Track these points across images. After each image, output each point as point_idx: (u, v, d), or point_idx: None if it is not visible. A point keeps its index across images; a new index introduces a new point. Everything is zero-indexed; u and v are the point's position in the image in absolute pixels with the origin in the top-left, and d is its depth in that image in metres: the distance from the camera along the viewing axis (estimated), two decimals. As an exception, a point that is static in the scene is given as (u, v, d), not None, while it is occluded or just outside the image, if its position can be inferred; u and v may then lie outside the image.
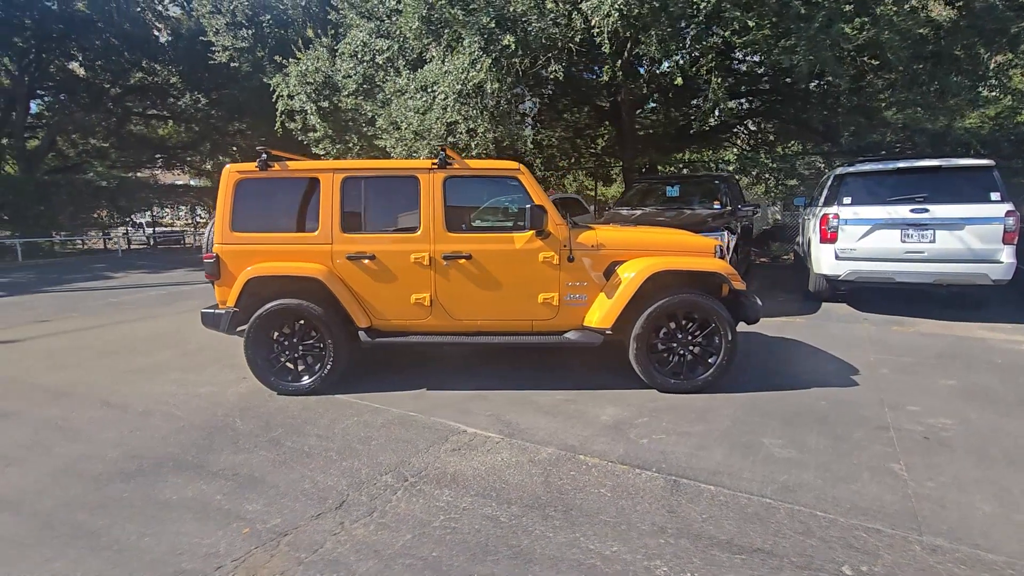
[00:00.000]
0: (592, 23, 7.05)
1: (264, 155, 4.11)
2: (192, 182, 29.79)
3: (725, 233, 6.66)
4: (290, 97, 11.81)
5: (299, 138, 12.44)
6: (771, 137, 13.98)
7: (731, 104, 8.34)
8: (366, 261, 4.04)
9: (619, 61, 8.11)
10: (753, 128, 14.81)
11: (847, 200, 6.79)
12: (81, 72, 19.95)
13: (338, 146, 11.96)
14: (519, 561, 2.15)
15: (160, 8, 16.79)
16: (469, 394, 4.07)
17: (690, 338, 4.01)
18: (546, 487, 2.71)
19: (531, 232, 3.98)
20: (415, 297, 4.06)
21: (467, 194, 4.17)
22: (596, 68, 11.84)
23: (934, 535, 2.27)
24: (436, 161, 4.04)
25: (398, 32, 9.81)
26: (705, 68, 7.53)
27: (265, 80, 12.90)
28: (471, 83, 7.85)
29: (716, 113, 8.86)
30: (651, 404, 3.80)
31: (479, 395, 4.05)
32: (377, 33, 10.55)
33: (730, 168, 13.04)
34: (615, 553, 2.19)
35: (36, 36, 17.14)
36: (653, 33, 6.79)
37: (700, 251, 4.12)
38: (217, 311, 4.13)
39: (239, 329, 4.10)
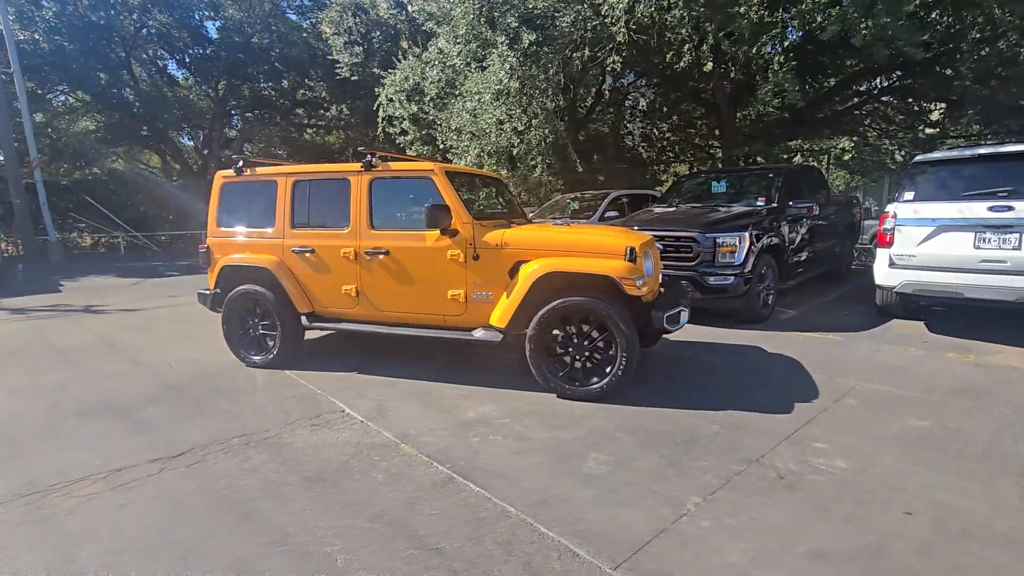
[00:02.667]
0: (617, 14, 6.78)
1: (240, 162, 4.87)
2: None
3: (745, 234, 5.97)
4: (388, 101, 13.09)
5: (396, 141, 13.74)
6: (901, 116, 11.71)
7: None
8: (307, 254, 4.58)
9: (692, 47, 7.61)
10: (892, 106, 12.52)
11: (908, 195, 5.64)
12: (262, 92, 24.16)
13: (427, 147, 12.96)
14: (241, 520, 2.44)
15: (307, 35, 19.61)
16: (383, 380, 4.39)
17: (586, 344, 3.84)
18: (335, 465, 2.94)
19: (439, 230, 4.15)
20: (345, 288, 4.50)
21: (391, 194, 4.45)
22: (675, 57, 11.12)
23: (627, 571, 2.04)
24: (363, 164, 4.41)
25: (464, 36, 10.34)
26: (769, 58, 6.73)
27: (376, 90, 14.44)
28: (502, 83, 8.04)
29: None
30: (529, 407, 3.75)
31: (390, 382, 4.35)
32: (453, 40, 11.22)
33: (845, 158, 11.24)
34: (317, 527, 2.37)
35: (226, 65, 21.22)
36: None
37: (606, 253, 3.88)
38: (205, 292, 5.02)
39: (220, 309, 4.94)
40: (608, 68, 8.30)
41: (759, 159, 12.24)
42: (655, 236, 6.25)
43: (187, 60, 21.85)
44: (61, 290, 10.49)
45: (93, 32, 17.58)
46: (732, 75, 11.15)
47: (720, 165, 14.47)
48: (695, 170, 14.29)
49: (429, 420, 3.57)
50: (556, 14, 7.25)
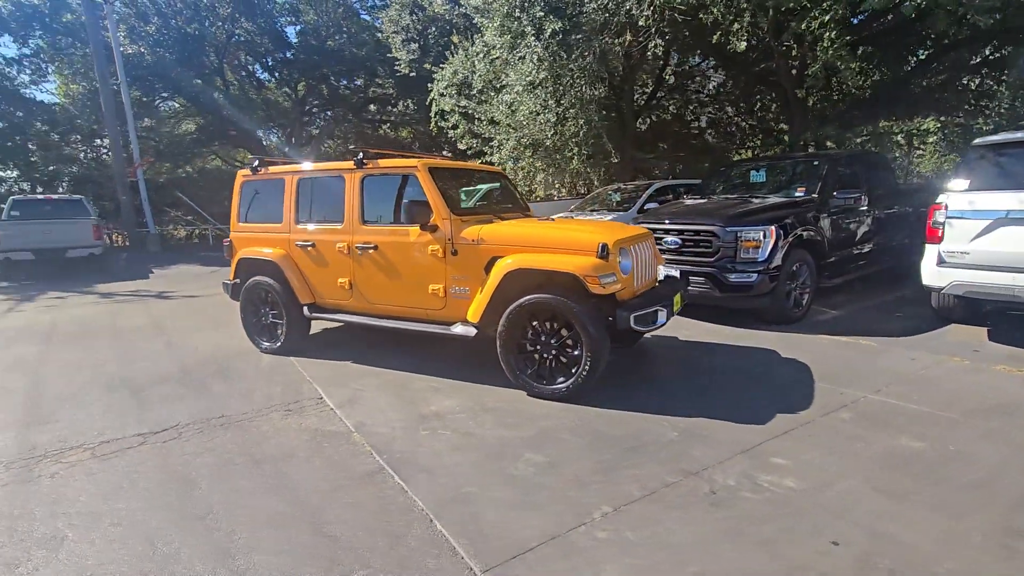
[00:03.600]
0: None
1: (256, 161, 5.21)
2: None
3: (771, 228, 5.53)
4: (440, 96, 13.36)
5: (449, 135, 14.00)
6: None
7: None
8: (309, 248, 4.82)
9: (743, 27, 7.12)
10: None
11: (962, 184, 4.96)
12: (338, 91, 25.48)
13: (476, 140, 13.10)
14: (179, 495, 2.66)
15: (379, 35, 20.36)
16: (372, 370, 4.56)
17: (553, 342, 3.76)
18: (285, 450, 3.11)
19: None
20: (340, 281, 4.70)
21: (380, 191, 4.57)
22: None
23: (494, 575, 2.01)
24: (354, 162, 4.56)
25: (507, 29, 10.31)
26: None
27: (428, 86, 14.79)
28: (531, 74, 7.94)
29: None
30: (495, 403, 3.74)
31: (377, 373, 4.50)
32: (497, 33, 11.23)
33: (930, 140, 10.00)
34: (240, 506, 2.53)
35: (305, 66, 22.58)
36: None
37: (578, 249, 3.76)
38: (227, 283, 5.44)
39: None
40: (649, 53, 7.93)
41: (829, 144, 11.23)
42: (674, 230, 6.04)
43: (270, 64, 23.47)
44: (150, 277, 11.74)
45: (189, 43, 19.37)
46: (794, 54, 10.26)
47: (788, 151, 13.41)
48: (758, 156, 13.33)
49: (392, 411, 3.67)
50: (583, 1, 7.03)
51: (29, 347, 5.68)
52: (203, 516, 2.48)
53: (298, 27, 22.49)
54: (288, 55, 23.13)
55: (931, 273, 5.11)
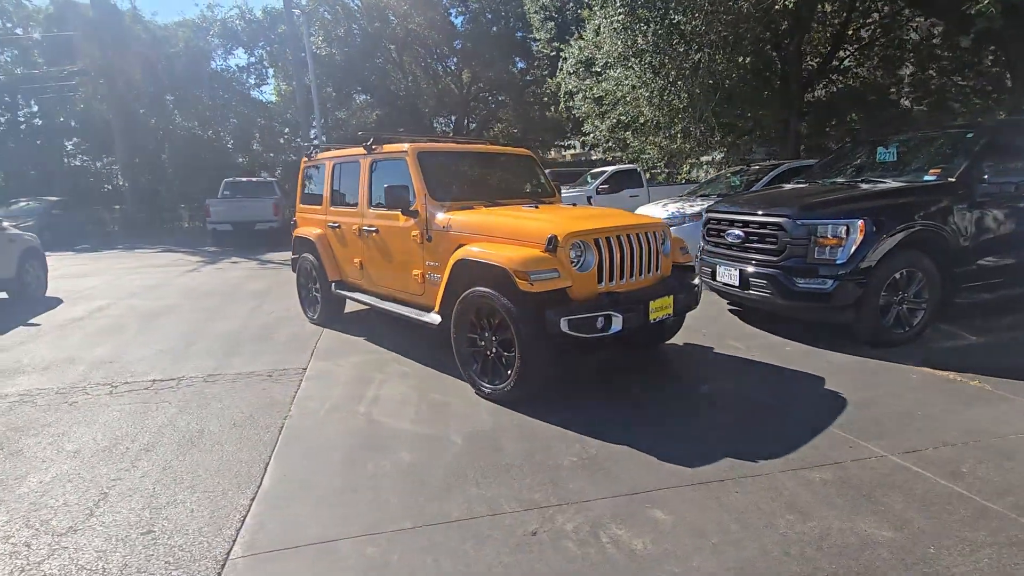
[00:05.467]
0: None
1: (311, 148, 5.74)
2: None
3: (858, 222, 4.32)
4: (568, 75, 13.06)
5: (575, 115, 13.62)
6: None
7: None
8: (336, 229, 5.20)
9: None
10: None
11: None
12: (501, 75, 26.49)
13: (596, 122, 12.54)
14: (133, 435, 3.16)
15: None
16: (374, 348, 4.79)
17: (494, 339, 3.50)
18: (235, 414, 3.46)
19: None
20: (356, 260, 4.98)
21: (384, 175, 4.67)
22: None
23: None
24: (364, 147, 4.74)
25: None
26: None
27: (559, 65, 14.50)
28: (625, 44, 7.24)
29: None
30: (439, 397, 3.66)
31: (376, 352, 4.72)
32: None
33: None
34: (154, 455, 2.92)
35: (469, 54, 23.88)
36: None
37: (527, 241, 3.41)
38: (292, 257, 6.16)
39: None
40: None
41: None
42: (738, 222, 5.10)
43: (441, 54, 25.30)
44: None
45: (369, 41, 21.88)
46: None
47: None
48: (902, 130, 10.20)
49: (345, 390, 3.83)
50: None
51: (171, 301, 7.17)
52: (134, 460, 2.91)
53: (465, 16, 23.81)
54: (456, 45, 24.70)
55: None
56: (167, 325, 5.81)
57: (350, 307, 5.75)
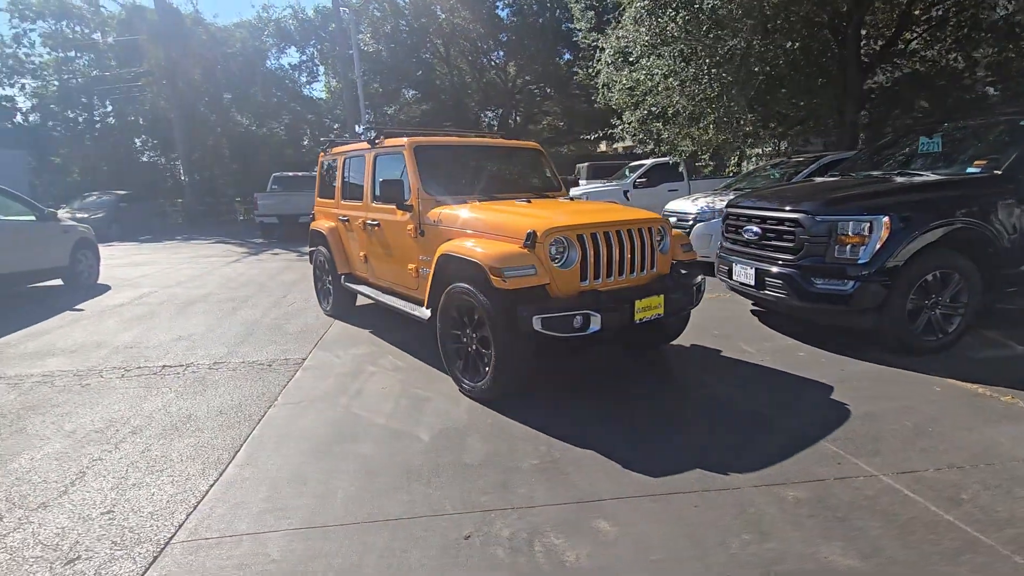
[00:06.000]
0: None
1: (327, 143, 5.86)
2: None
3: (882, 219, 3.97)
4: (606, 65, 12.72)
5: (611, 107, 13.25)
6: None
7: None
8: (346, 222, 5.29)
9: None
10: None
11: None
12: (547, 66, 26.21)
13: (636, 112, 12.15)
14: (121, 409, 3.34)
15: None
16: (376, 341, 4.86)
17: (474, 336, 3.44)
18: (224, 399, 3.59)
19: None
20: (361, 253, 5.05)
21: (385, 169, 4.69)
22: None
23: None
24: (368, 141, 4.78)
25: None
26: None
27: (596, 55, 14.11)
28: (649, 32, 6.95)
29: None
30: (424, 392, 3.67)
31: (378, 344, 4.78)
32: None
33: None
34: (138, 426, 3.07)
35: (514, 47, 23.79)
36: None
37: (509, 236, 3.33)
38: (309, 250, 6.32)
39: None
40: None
41: None
42: (755, 217, 4.82)
43: (485, 48, 25.31)
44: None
45: (415, 36, 22.17)
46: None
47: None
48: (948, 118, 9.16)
49: (335, 381, 3.89)
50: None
51: (207, 290, 7.54)
52: (110, 423, 3.08)
53: (511, 8, 23.68)
54: (502, 37, 24.63)
55: None
56: (195, 313, 6.11)
57: (362, 300, 5.83)
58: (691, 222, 7.72)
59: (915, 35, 13.26)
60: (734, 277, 4.97)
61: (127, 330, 5.43)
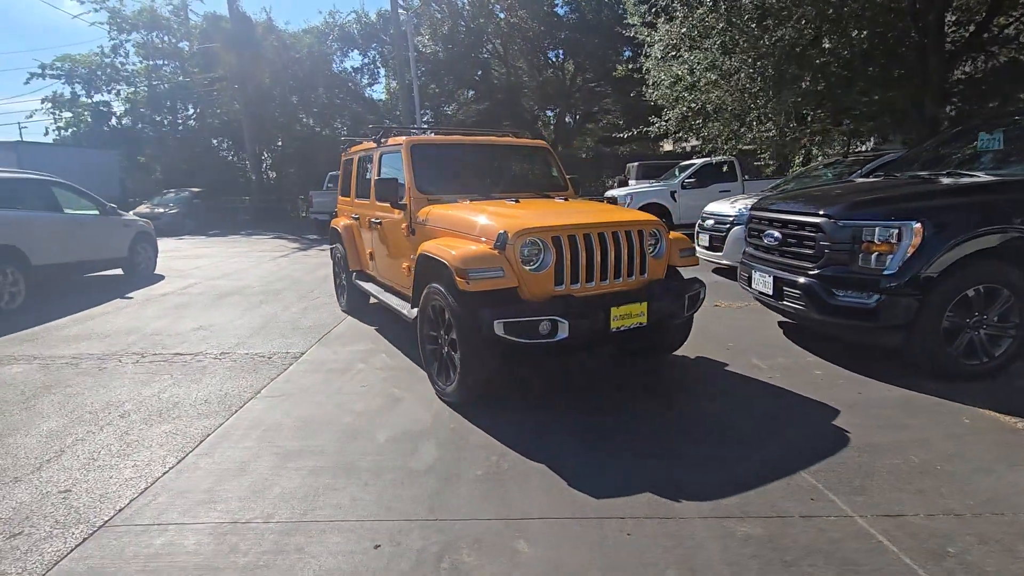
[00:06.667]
0: None
1: (347, 142, 5.99)
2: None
3: (914, 225, 3.54)
4: (658, 59, 12.29)
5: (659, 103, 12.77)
6: None
7: None
8: (355, 220, 5.38)
9: None
10: None
11: None
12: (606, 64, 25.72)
13: (675, 109, 11.64)
14: (119, 389, 3.55)
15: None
16: (376, 339, 4.91)
17: (446, 337, 3.37)
18: (208, 390, 3.74)
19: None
20: (368, 251, 5.13)
21: (389, 167, 4.71)
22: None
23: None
24: (374, 140, 4.82)
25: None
26: None
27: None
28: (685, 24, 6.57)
29: None
30: (399, 393, 3.65)
31: (375, 340, 4.83)
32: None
33: None
34: (127, 405, 3.25)
35: (570, 44, 23.48)
36: None
37: (480, 236, 3.24)
38: (330, 247, 6.49)
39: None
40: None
41: None
42: (777, 221, 4.46)
43: (542, 46, 25.18)
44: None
45: (472, 36, 22.40)
46: None
47: None
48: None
49: (322, 376, 3.96)
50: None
51: (247, 282, 7.94)
52: (107, 405, 3.27)
53: (568, 6, 23.43)
54: (561, 35, 24.41)
55: None
56: (225, 305, 6.44)
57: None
58: (728, 225, 7.29)
59: (1012, 19, 11.86)
60: (753, 285, 4.62)
61: (160, 318, 5.80)
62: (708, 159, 12.26)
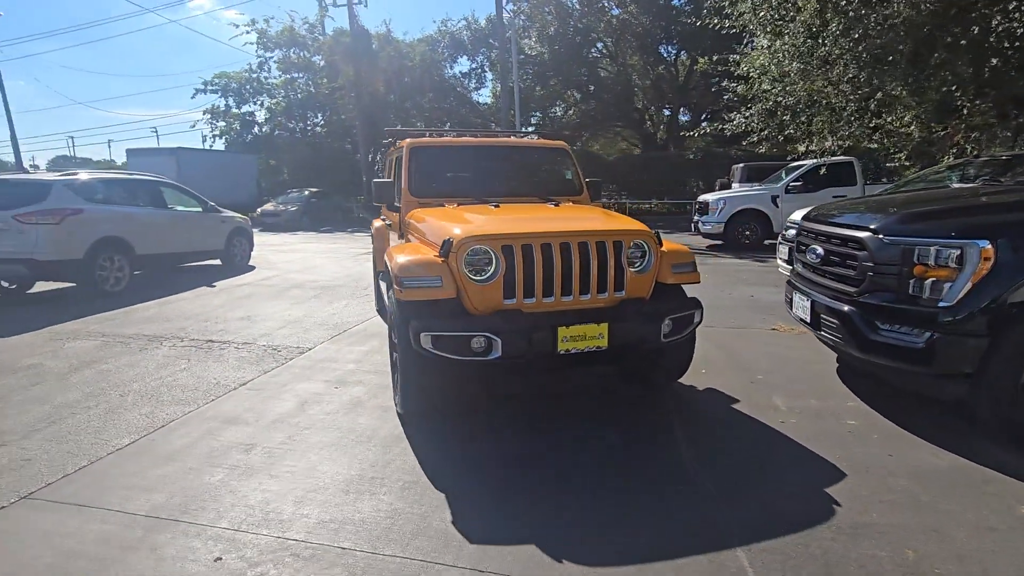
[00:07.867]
0: None
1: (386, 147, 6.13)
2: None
3: (981, 246, 2.74)
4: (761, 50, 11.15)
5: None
6: None
7: None
8: (384, 221, 5.47)
9: None
10: None
11: None
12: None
13: (757, 104, 10.34)
14: (150, 367, 3.94)
15: None
16: (385, 339, 4.92)
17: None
18: (210, 378, 4.00)
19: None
20: (387, 252, 5.18)
21: (397, 170, 4.68)
22: None
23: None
24: (391, 142, 4.85)
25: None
26: None
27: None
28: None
29: None
30: (375, 402, 3.60)
31: (384, 341, 4.83)
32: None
33: None
34: (118, 387, 3.59)
35: (687, 39, 22.14)
36: None
37: (436, 243, 3.06)
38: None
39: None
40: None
41: None
42: (822, 235, 3.76)
43: (655, 40, 24.02)
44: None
45: (581, 35, 22.07)
46: None
47: None
48: None
49: (311, 375, 4.06)
50: None
51: (315, 277, 8.52)
52: (120, 383, 3.64)
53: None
54: (675, 29, 23.16)
55: None
56: (283, 298, 6.93)
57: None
58: (809, 236, 6.32)
59: None
60: (793, 309, 3.93)
61: (222, 306, 6.39)
62: (820, 160, 10.81)
